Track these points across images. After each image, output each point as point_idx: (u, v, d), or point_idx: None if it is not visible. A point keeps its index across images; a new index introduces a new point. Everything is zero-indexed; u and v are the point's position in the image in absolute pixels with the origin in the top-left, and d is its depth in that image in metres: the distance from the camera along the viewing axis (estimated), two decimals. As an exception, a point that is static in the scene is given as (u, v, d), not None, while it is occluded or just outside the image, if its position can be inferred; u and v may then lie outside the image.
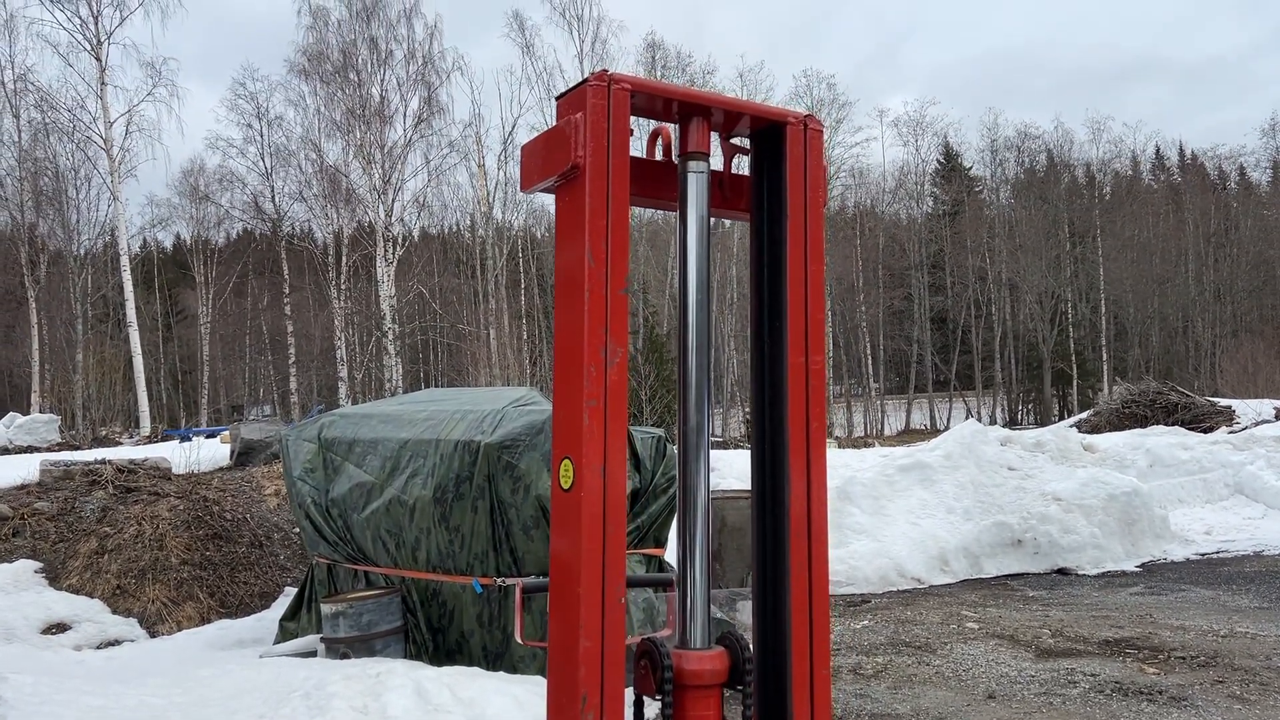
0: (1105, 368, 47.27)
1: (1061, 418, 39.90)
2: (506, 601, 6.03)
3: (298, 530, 9.11)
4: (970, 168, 57.95)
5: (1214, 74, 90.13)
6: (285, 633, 7.39)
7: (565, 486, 1.75)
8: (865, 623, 7.97)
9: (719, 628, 1.93)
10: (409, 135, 32.65)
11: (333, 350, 36.14)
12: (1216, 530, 11.57)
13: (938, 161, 58.11)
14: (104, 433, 28.55)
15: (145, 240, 49.91)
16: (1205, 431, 16.61)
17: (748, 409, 38.51)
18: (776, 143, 1.98)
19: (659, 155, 2.03)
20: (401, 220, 33.59)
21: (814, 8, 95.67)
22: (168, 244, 55.66)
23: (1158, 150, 61.36)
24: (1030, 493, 10.80)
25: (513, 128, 37.48)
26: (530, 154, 1.89)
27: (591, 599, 1.70)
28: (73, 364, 36.04)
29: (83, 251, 38.47)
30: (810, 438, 1.92)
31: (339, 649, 6.09)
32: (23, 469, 10.87)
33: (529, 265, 41.76)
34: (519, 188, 2.09)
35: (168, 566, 8.80)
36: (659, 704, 1.84)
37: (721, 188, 2.07)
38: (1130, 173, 57.80)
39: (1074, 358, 48.71)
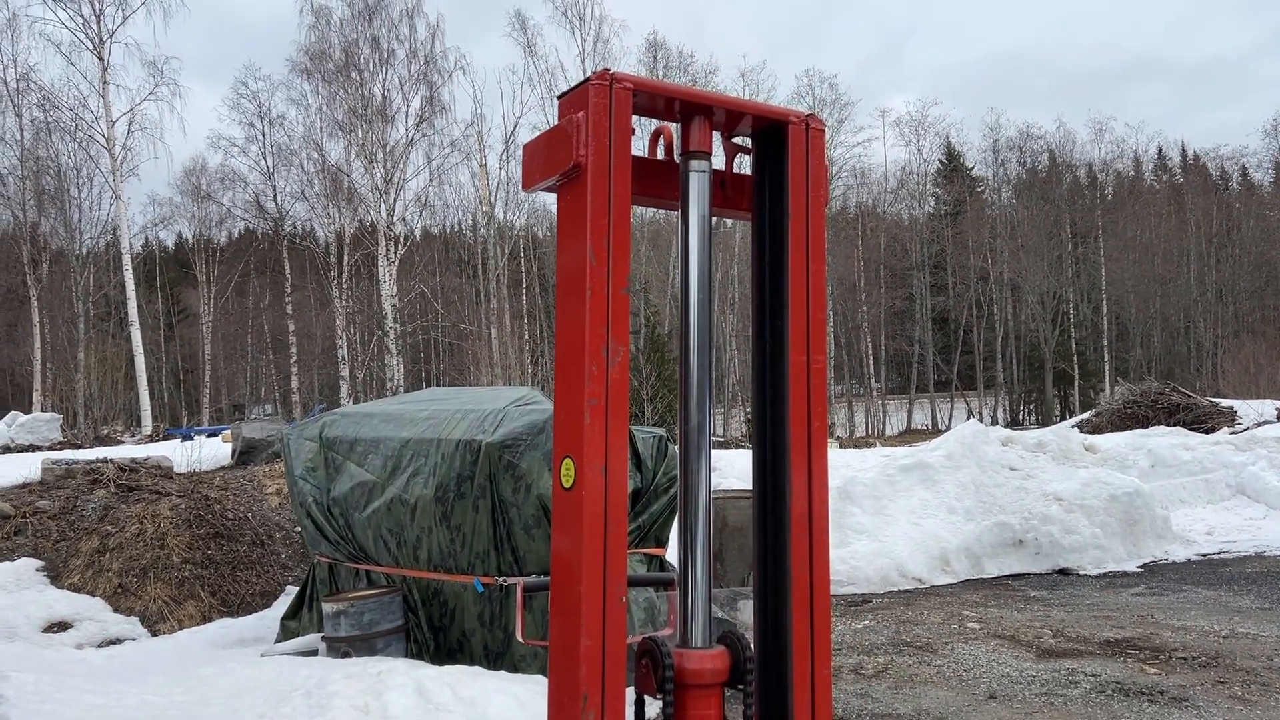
0: (1107, 368, 47.25)
1: (1063, 418, 39.88)
2: (508, 601, 6.04)
3: (299, 529, 9.11)
4: (972, 168, 57.96)
5: (1215, 74, 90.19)
6: (286, 631, 7.39)
7: (567, 485, 1.75)
8: (866, 623, 7.97)
9: (720, 627, 1.94)
10: (411, 134, 32.70)
11: (334, 349, 36.18)
12: (1218, 531, 11.56)
13: (940, 161, 58.09)
14: (106, 431, 28.57)
15: (147, 239, 50.01)
16: (1207, 432, 16.60)
17: (749, 409, 38.51)
18: (778, 142, 1.98)
19: (660, 154, 2.03)
20: (403, 219, 33.64)
21: (815, 8, 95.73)
22: (170, 243, 55.79)
23: (1160, 150, 61.40)
24: (1032, 493, 10.79)
25: (514, 127, 37.56)
26: (532, 153, 1.89)
27: (593, 598, 1.70)
28: (75, 363, 36.09)
29: (85, 250, 38.53)
30: (811, 437, 1.92)
31: (340, 648, 6.10)
32: (24, 467, 10.89)
33: (530, 265, 41.77)
34: (520, 187, 2.09)
35: (169, 565, 8.81)
36: (660, 703, 1.84)
37: (723, 187, 2.07)
38: (1132, 173, 57.80)
39: (1075, 358, 48.68)
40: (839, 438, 36.00)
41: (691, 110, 1.91)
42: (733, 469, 13.02)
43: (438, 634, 6.39)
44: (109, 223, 36.60)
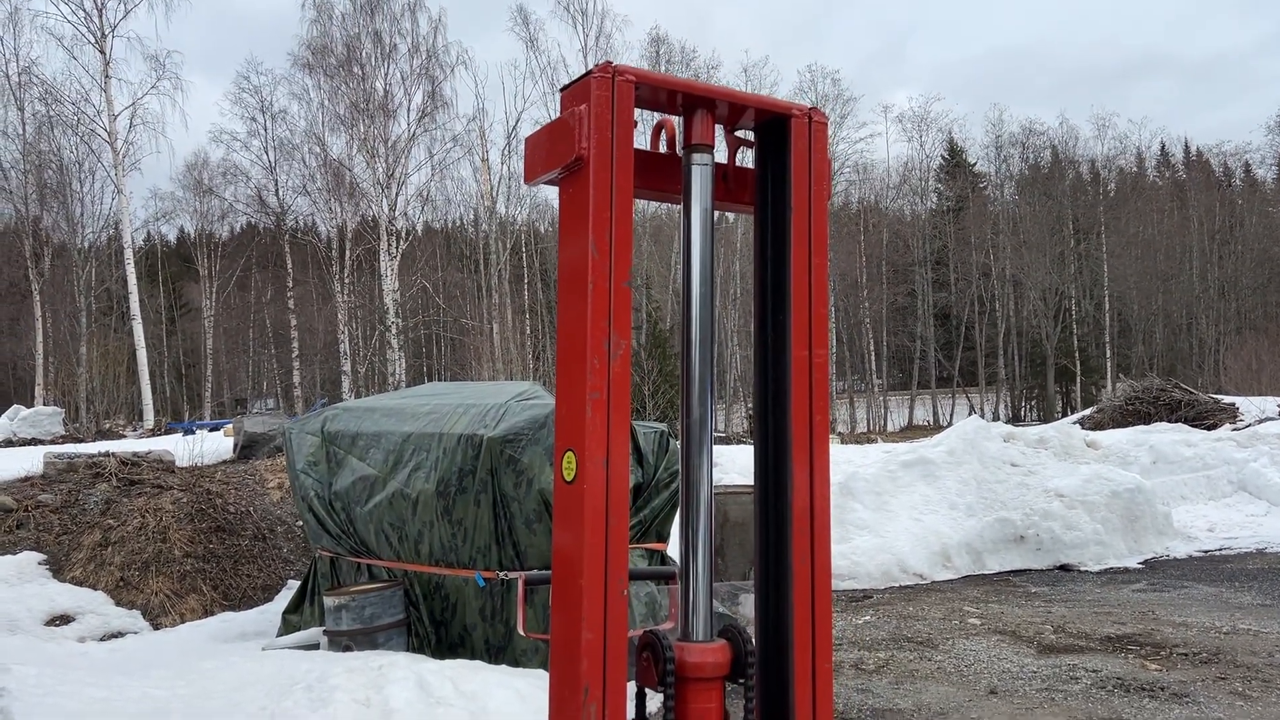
0: (1109, 364, 47.18)
1: (1065, 414, 39.86)
2: (509, 595, 6.04)
3: (300, 523, 9.12)
4: (975, 164, 57.80)
5: (1218, 71, 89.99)
6: (288, 625, 7.41)
7: (568, 479, 1.75)
8: (867, 618, 7.97)
9: (720, 622, 1.93)
10: (413, 129, 32.69)
11: (336, 344, 36.18)
12: (1219, 527, 11.56)
13: (942, 157, 57.97)
14: (108, 425, 28.58)
15: (149, 233, 50.02)
16: (1209, 428, 16.59)
17: (750, 405, 38.50)
18: (781, 135, 1.97)
19: (663, 148, 2.03)
20: (405, 214, 33.64)
21: (816, 5, 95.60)
22: (171, 237, 55.86)
23: (1163, 147, 61.24)
24: (1033, 489, 10.79)
25: (516, 122, 37.50)
26: (534, 146, 1.88)
27: (594, 591, 1.69)
28: (77, 357, 36.10)
29: (87, 244, 38.51)
30: (813, 431, 1.92)
31: (342, 642, 6.11)
32: (27, 461, 10.91)
33: (532, 260, 41.75)
34: (523, 180, 2.08)
35: (171, 559, 8.82)
36: (661, 696, 1.84)
37: (725, 180, 2.06)
38: (1135, 169, 57.67)
39: (1077, 354, 48.63)
40: (840, 434, 36.01)
41: (694, 103, 1.90)
42: (734, 464, 13.02)
43: (439, 628, 6.40)
44: (111, 217, 36.61)
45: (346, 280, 34.95)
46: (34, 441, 18.97)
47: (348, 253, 34.48)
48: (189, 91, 51.56)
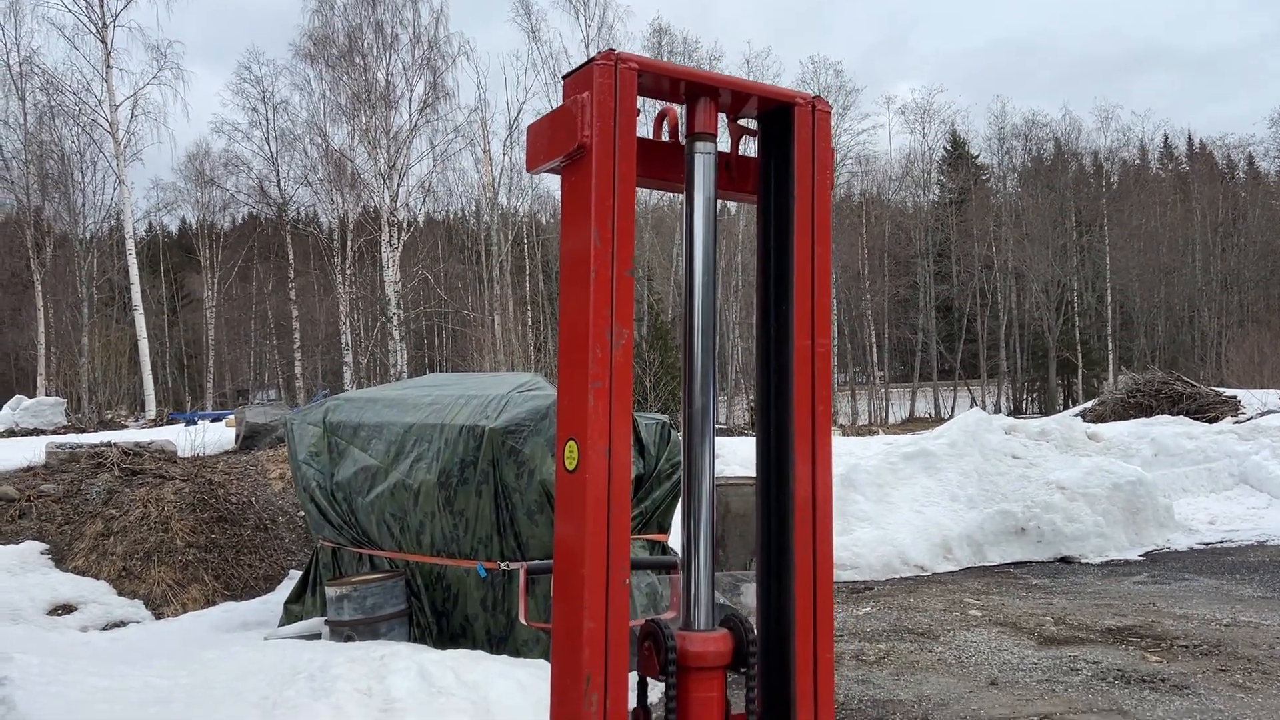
0: (1110, 357, 47.13)
1: (1066, 407, 39.83)
2: (510, 586, 6.05)
3: (302, 514, 9.13)
4: (977, 155, 57.69)
5: (1222, 63, 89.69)
6: (290, 615, 7.42)
7: (570, 468, 1.75)
8: (868, 609, 7.98)
9: (721, 612, 1.93)
10: (414, 120, 32.62)
11: (338, 335, 36.18)
12: (1221, 520, 11.56)
13: (944, 149, 57.84)
14: (109, 416, 28.62)
15: (151, 224, 50.03)
16: (1210, 421, 16.57)
17: (751, 397, 38.48)
18: (784, 124, 1.97)
19: (665, 136, 2.02)
20: (406, 205, 33.59)
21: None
22: (173, 228, 55.79)
23: (1166, 139, 61.00)
24: (1034, 481, 10.79)
25: (518, 113, 37.42)
26: (536, 134, 1.87)
27: (596, 580, 1.69)
28: (78, 347, 36.13)
29: (88, 235, 38.53)
30: (816, 420, 1.92)
31: (343, 632, 6.12)
32: (29, 451, 10.92)
33: (534, 251, 41.70)
34: (525, 168, 2.07)
35: (173, 549, 8.83)
36: (662, 685, 1.84)
37: (728, 169, 2.05)
38: (1138, 161, 57.51)
39: (1079, 347, 48.58)
40: (842, 426, 36.03)
41: (697, 91, 1.90)
42: (735, 456, 13.02)
43: (440, 618, 6.41)
44: (112, 207, 36.58)
45: (348, 271, 34.94)
46: (36, 432, 18.99)
47: (349, 244, 34.46)
48: (190, 82, 51.58)
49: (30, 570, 8.33)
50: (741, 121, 2.03)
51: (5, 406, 22.45)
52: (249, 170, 38.42)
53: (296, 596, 7.52)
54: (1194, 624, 7.06)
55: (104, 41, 29.50)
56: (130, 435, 14.46)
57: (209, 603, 8.53)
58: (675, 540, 6.65)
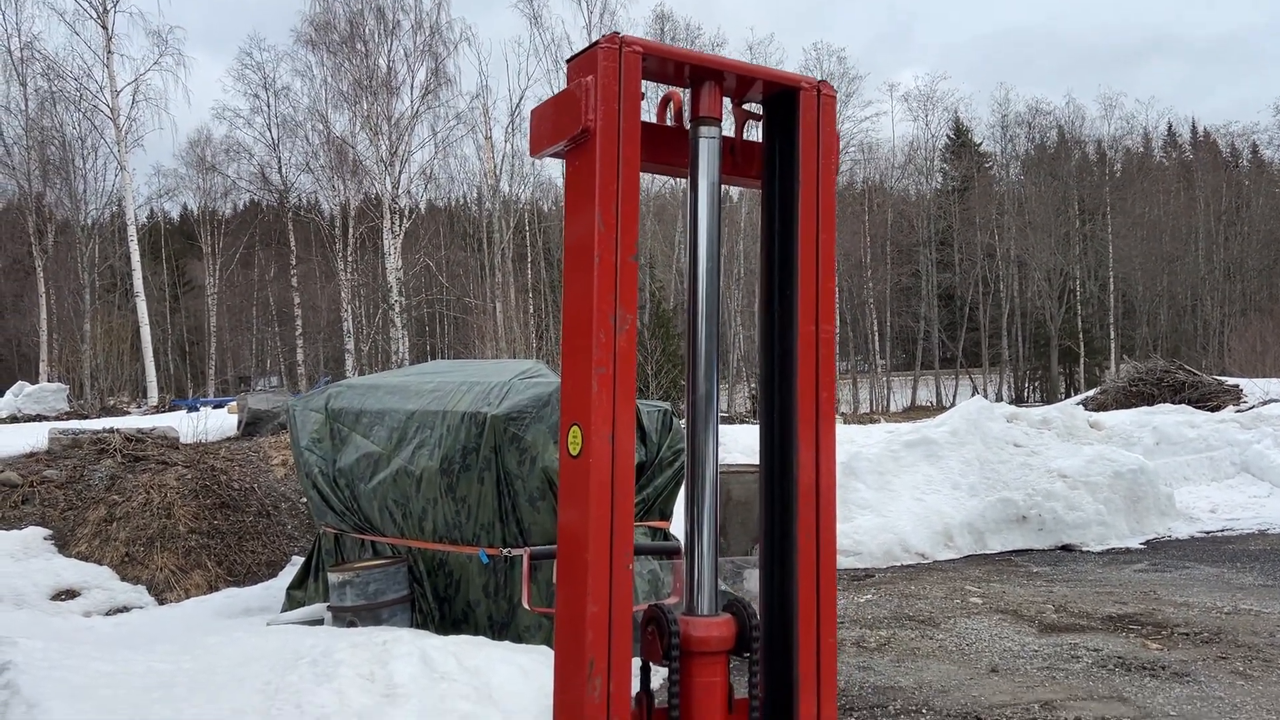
0: (1113, 346, 47.06)
1: (1068, 395, 39.84)
2: (512, 572, 6.06)
3: (305, 500, 9.15)
4: (980, 143, 57.45)
5: (1227, 52, 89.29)
6: (292, 601, 7.44)
7: (574, 453, 1.74)
8: (869, 597, 7.99)
9: (724, 597, 1.93)
10: (416, 106, 32.53)
11: (339, 322, 36.19)
12: (1222, 508, 11.57)
13: (948, 137, 57.60)
14: (112, 402, 28.65)
15: (152, 210, 49.93)
16: (1212, 410, 16.58)
17: (753, 385, 38.47)
18: (789, 109, 1.95)
19: (670, 120, 2.00)
20: (408, 192, 33.56)
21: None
22: (175, 214, 55.76)
23: (1170, 127, 60.76)
24: (1036, 469, 10.79)
25: (520, 99, 37.26)
26: (540, 118, 1.86)
27: (599, 565, 1.69)
28: (80, 334, 36.11)
29: (90, 221, 38.47)
30: (820, 407, 1.91)
31: (346, 617, 6.13)
32: (31, 437, 10.93)
33: (535, 239, 41.65)
34: (528, 152, 2.06)
35: (176, 535, 8.85)
36: (665, 670, 1.84)
37: (733, 154, 2.04)
38: (1141, 150, 57.27)
39: (1081, 335, 48.53)
40: (844, 414, 36.01)
41: (702, 75, 1.88)
42: (737, 444, 13.03)
43: (443, 604, 6.43)
44: (114, 194, 36.51)
45: (350, 258, 34.91)
46: (39, 418, 19.01)
47: (351, 230, 34.43)
48: (191, 68, 51.66)
49: (33, 556, 8.36)
50: (746, 106, 2.02)
51: (8, 393, 22.48)
52: (250, 156, 38.40)
53: (299, 582, 7.54)
54: (1195, 612, 7.07)
55: (105, 27, 29.42)
56: (132, 421, 14.49)
57: (212, 588, 8.55)
58: (676, 529, 6.66)
